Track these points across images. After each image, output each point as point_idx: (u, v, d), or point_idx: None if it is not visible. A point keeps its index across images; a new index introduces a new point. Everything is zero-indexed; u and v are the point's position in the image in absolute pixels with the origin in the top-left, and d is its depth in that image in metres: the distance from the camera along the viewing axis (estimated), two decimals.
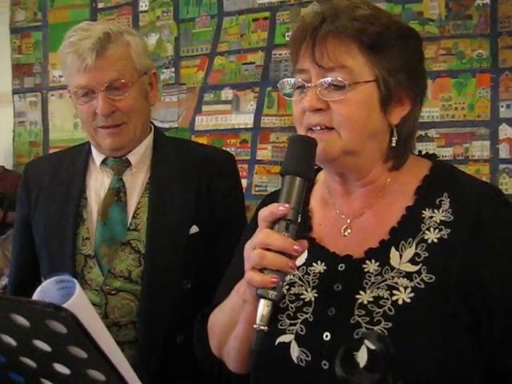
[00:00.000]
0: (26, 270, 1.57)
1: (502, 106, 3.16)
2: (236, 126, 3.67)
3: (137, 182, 1.50)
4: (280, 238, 0.88)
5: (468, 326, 0.91)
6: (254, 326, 0.88)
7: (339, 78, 0.95)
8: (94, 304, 1.42)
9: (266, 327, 0.87)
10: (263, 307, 0.87)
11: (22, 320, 0.69)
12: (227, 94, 3.72)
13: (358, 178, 1.03)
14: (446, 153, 3.20)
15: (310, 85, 0.98)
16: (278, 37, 3.65)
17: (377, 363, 0.77)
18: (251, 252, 0.90)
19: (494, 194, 0.99)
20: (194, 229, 1.44)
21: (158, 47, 3.78)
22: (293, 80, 1.01)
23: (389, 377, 0.70)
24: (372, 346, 0.74)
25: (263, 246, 0.88)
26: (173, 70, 3.65)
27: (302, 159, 0.92)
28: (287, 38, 3.63)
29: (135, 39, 1.48)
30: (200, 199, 1.46)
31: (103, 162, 1.52)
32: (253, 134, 3.63)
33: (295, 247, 0.88)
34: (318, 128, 0.98)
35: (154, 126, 1.58)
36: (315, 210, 1.09)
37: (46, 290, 0.75)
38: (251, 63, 3.69)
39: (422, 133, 3.22)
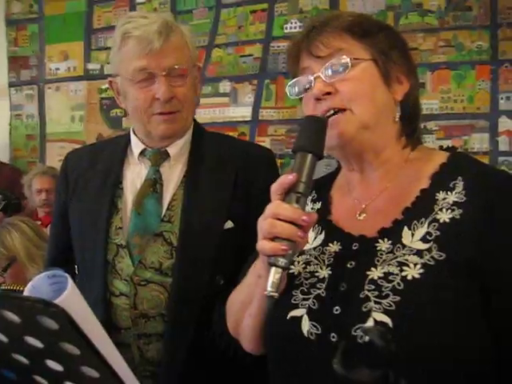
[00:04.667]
0: (61, 260, 1.57)
1: (502, 98, 3.15)
2: (234, 119, 3.65)
3: (174, 175, 1.47)
4: (289, 207, 0.92)
5: (478, 306, 0.91)
6: (265, 293, 0.90)
7: (342, 58, 1.01)
8: (123, 294, 1.40)
9: (276, 293, 0.90)
10: (274, 274, 0.90)
11: (12, 316, 0.67)
12: (225, 86, 3.69)
13: (374, 157, 1.05)
14: (445, 145, 3.18)
15: (314, 75, 1.03)
16: (276, 29, 3.62)
17: (378, 360, 0.76)
18: (263, 223, 0.94)
19: (508, 176, 1.01)
20: (229, 224, 1.41)
21: None
22: (298, 79, 1.07)
23: (391, 375, 0.68)
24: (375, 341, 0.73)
25: (274, 216, 0.92)
26: None
27: (312, 137, 0.97)
28: (285, 30, 3.61)
29: (188, 30, 1.47)
30: (236, 195, 1.43)
31: (141, 153, 1.49)
32: (251, 127, 3.61)
33: (304, 217, 0.91)
34: (331, 112, 1.01)
35: (194, 120, 1.55)
36: (335, 197, 1.13)
37: (37, 286, 0.73)
38: (249, 55, 3.66)
39: (421, 125, 3.20)
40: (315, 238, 1.08)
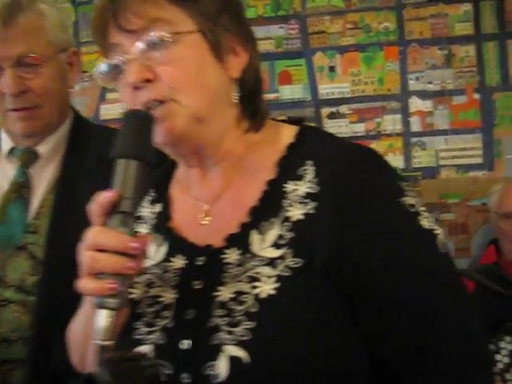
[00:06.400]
0: None
1: (411, 79, 3.14)
2: None
3: (44, 177, 1.29)
4: (112, 234, 0.74)
5: (343, 312, 0.78)
6: (94, 342, 0.72)
7: (159, 33, 0.80)
8: None
9: (110, 342, 0.72)
10: (104, 319, 0.72)
11: None
12: None
13: (215, 150, 0.87)
14: (358, 129, 3.15)
15: (127, 57, 0.82)
16: None
17: None
18: (82, 255, 0.75)
19: (366, 156, 0.84)
20: None
21: None
22: (107, 61, 0.84)
23: None
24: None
25: (94, 247, 0.74)
26: None
27: (135, 138, 0.77)
28: None
29: (52, 10, 1.26)
30: None
31: (11, 152, 1.30)
32: None
33: (132, 244, 0.73)
34: (155, 104, 0.81)
35: (76, 113, 1.37)
36: (174, 197, 0.94)
37: None
38: None
39: (334, 109, 3.16)
40: (157, 251, 0.89)
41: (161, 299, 0.84)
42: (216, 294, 0.79)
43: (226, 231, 0.83)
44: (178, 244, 0.87)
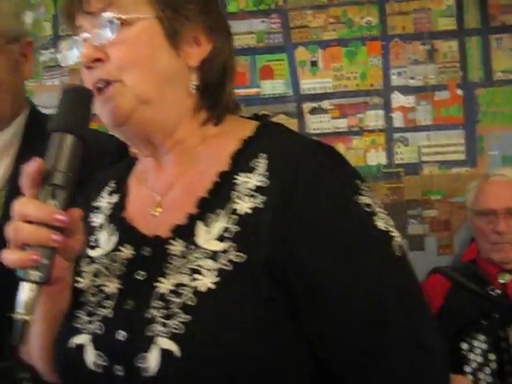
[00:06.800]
0: None
1: (394, 74, 3.11)
2: None
3: None
4: (38, 205, 0.74)
5: (286, 313, 0.77)
6: (14, 316, 0.74)
7: (111, 14, 0.82)
8: None
9: (29, 316, 0.73)
10: (27, 292, 0.73)
11: None
12: None
13: (165, 138, 0.87)
14: (341, 124, 3.12)
15: (83, 36, 0.85)
16: None
17: None
18: (8, 227, 0.76)
19: (321, 152, 0.82)
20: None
21: (35, 27, 3.45)
22: (66, 42, 0.89)
23: None
24: None
25: (20, 217, 0.74)
26: (52, 50, 3.36)
27: (71, 113, 0.79)
28: None
29: None
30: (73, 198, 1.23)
31: None
32: None
33: (58, 216, 0.74)
34: (103, 84, 0.83)
35: (32, 107, 1.34)
36: (131, 188, 0.95)
37: None
38: None
39: (316, 105, 3.13)
40: (108, 240, 0.90)
41: (104, 289, 0.85)
42: (157, 285, 0.79)
43: (174, 222, 0.83)
44: (128, 234, 0.88)
